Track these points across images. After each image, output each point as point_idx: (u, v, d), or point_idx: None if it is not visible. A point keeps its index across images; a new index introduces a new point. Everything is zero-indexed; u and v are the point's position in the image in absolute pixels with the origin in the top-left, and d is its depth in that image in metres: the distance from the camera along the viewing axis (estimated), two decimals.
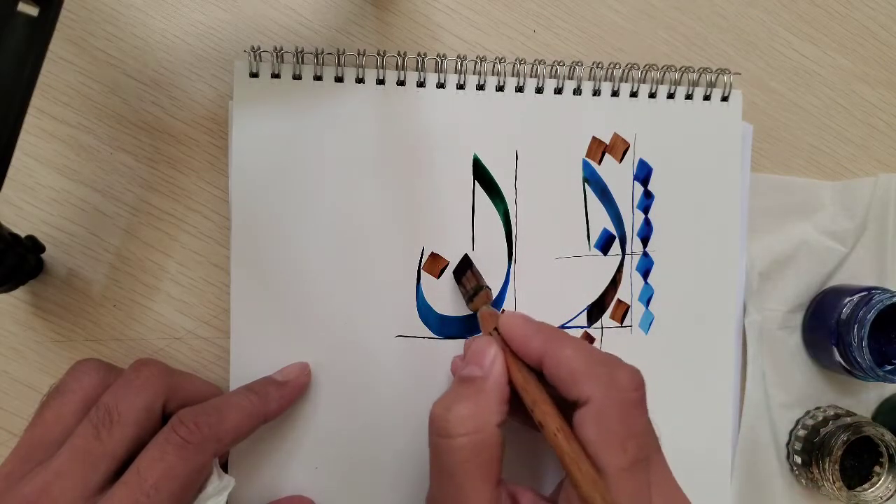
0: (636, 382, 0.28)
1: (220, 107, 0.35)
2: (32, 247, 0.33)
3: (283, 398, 0.32)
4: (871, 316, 0.36)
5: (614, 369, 0.28)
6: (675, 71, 0.38)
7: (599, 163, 0.37)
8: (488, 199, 0.36)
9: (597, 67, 0.37)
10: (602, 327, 0.37)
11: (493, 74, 0.36)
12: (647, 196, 0.38)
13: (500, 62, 0.36)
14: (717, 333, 0.39)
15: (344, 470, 0.35)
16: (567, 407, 0.28)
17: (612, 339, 0.37)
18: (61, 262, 0.34)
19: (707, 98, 0.38)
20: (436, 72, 0.35)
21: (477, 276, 0.34)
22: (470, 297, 0.34)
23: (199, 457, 0.27)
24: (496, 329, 0.31)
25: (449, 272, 0.36)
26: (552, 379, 0.28)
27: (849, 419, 0.38)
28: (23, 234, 0.33)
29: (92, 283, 0.35)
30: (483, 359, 0.29)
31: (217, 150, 0.35)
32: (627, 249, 0.38)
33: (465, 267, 0.35)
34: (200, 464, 0.27)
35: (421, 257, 0.36)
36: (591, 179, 0.37)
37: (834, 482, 0.37)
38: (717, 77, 0.38)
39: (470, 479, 0.27)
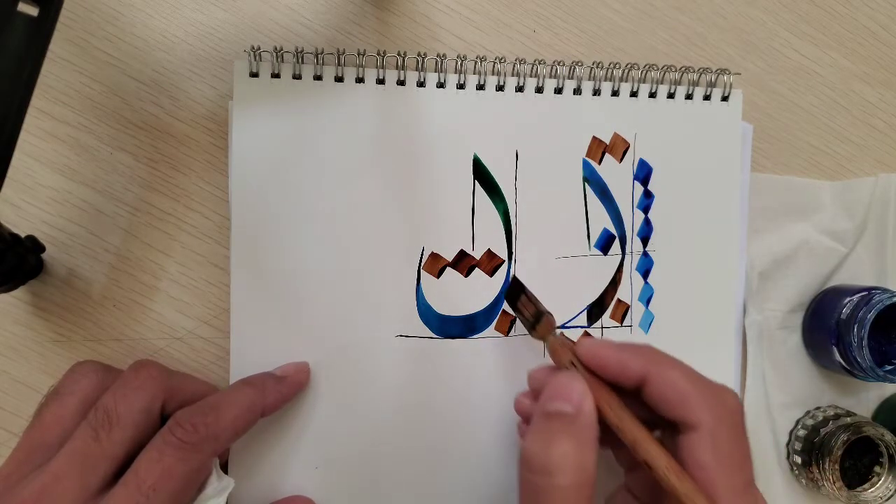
0: (740, 405, 0.28)
1: (220, 107, 0.35)
2: (32, 247, 0.33)
3: (280, 392, 0.32)
4: (871, 316, 0.36)
5: (721, 392, 0.28)
6: (675, 71, 0.38)
7: (599, 162, 0.37)
8: (488, 198, 0.36)
9: (597, 67, 0.37)
10: (602, 327, 0.37)
11: (493, 74, 0.36)
12: (647, 196, 0.38)
13: (500, 62, 0.36)
14: (717, 333, 0.39)
15: (344, 470, 0.35)
16: (661, 426, 0.28)
17: (612, 338, 0.37)
18: (61, 262, 0.34)
19: (707, 98, 0.38)
20: (436, 72, 0.35)
21: (533, 300, 0.32)
22: (532, 325, 0.32)
23: (197, 457, 0.27)
24: (573, 361, 0.29)
25: (449, 271, 0.36)
26: (654, 400, 0.28)
27: (849, 419, 0.38)
28: (23, 234, 0.33)
29: (92, 283, 0.34)
30: (570, 394, 0.27)
31: (217, 150, 0.35)
32: (627, 249, 0.38)
33: (518, 291, 0.32)
34: (199, 463, 0.27)
35: (421, 257, 0.36)
36: (591, 179, 0.37)
37: (834, 482, 0.37)
38: (717, 77, 0.38)
39: None
